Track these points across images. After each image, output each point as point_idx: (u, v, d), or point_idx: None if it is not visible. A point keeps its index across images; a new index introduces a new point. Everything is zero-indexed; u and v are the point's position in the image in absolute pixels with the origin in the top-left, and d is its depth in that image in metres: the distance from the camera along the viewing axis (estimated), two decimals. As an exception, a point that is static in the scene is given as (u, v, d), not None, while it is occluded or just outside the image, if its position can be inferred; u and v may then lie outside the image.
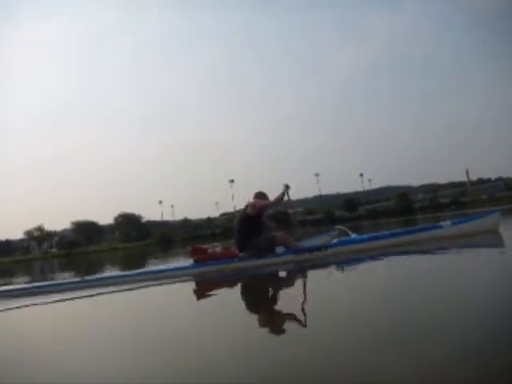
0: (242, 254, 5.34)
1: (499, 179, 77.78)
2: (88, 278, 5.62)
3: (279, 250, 5.34)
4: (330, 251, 5.14)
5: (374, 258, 4.75)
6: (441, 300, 2.37)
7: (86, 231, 70.95)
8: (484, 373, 1.40)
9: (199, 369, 1.77)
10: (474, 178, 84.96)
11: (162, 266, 5.90)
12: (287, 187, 5.57)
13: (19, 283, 7.35)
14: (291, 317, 2.46)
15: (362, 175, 79.92)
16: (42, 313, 4.06)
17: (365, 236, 5.44)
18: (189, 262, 5.74)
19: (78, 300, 4.41)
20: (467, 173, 77.66)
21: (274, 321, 2.52)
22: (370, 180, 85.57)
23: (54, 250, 64.29)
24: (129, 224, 70.12)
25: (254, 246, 5.29)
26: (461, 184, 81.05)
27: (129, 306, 3.89)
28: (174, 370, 1.81)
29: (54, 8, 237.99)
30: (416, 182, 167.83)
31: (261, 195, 5.54)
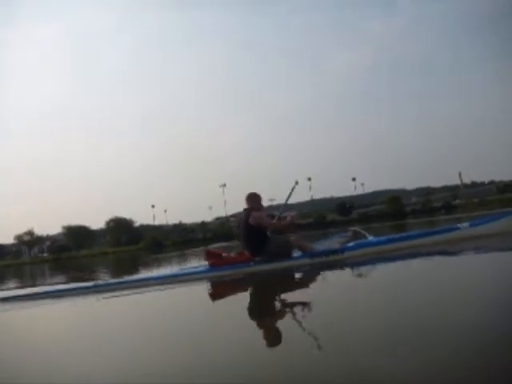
0: (257, 258, 5.26)
1: (491, 182, 78.67)
2: (101, 282, 5.52)
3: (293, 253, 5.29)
4: (346, 254, 5.10)
5: (391, 259, 4.77)
6: (462, 305, 2.37)
7: (77, 235, 70.14)
8: None
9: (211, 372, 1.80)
10: (467, 181, 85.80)
11: (178, 270, 5.80)
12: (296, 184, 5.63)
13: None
14: (306, 322, 2.44)
15: (354, 179, 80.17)
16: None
17: (382, 238, 5.43)
18: (202, 264, 5.71)
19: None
20: (460, 176, 78.16)
21: (288, 327, 2.46)
22: (362, 184, 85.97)
23: (45, 254, 63.47)
24: (120, 228, 69.54)
25: (269, 250, 5.22)
26: (454, 187, 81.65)
27: (150, 310, 3.86)
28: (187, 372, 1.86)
29: (52, 9, 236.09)
30: (411, 185, 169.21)
31: (253, 197, 5.47)
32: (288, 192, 5.66)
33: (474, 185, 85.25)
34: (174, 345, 2.38)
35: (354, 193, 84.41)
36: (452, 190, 78.90)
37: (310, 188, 71.91)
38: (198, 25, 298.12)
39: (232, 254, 5.47)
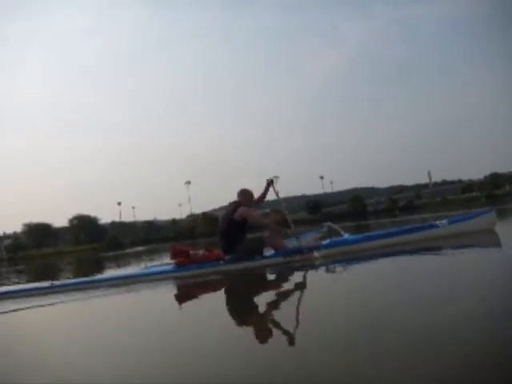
0: (227, 257, 4.95)
1: (459, 181, 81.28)
2: (57, 283, 5.02)
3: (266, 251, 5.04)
4: (322, 252, 4.85)
5: (367, 258, 4.59)
6: (443, 303, 2.26)
7: (38, 234, 67.58)
8: None
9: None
10: (439, 179, 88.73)
11: (140, 270, 5.38)
12: (272, 181, 5.47)
13: None
14: (280, 323, 2.31)
15: (322, 178, 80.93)
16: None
17: (359, 236, 5.23)
18: (167, 263, 5.35)
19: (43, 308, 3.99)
20: (429, 174, 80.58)
21: (261, 328, 2.34)
22: (331, 182, 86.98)
23: (3, 253, 60.81)
24: (84, 226, 67.55)
25: (240, 248, 4.92)
26: (425, 186, 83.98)
27: (103, 314, 3.51)
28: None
29: (24, 8, 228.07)
30: (384, 183, 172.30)
31: (245, 193, 5.20)
32: (273, 188, 5.50)
33: (443, 183, 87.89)
34: (137, 355, 2.06)
35: (329, 190, 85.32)
36: (421, 189, 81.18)
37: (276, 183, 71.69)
38: (173, 26, 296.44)
39: (200, 252, 5.10)
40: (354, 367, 1.55)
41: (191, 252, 5.06)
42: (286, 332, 2.13)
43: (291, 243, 5.08)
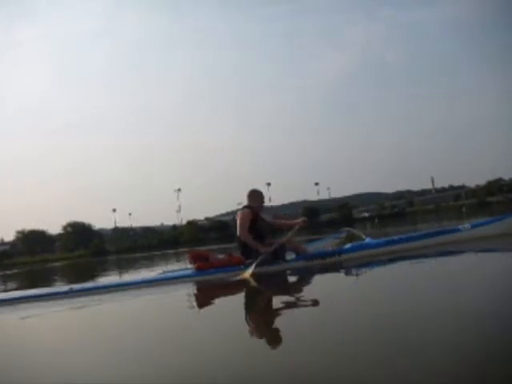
0: (248, 261, 4.87)
1: (461, 187, 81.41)
2: (77, 287, 4.92)
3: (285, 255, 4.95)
4: (343, 257, 4.83)
5: (390, 262, 4.57)
6: (466, 309, 2.22)
7: (31, 241, 66.94)
8: None
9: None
10: (445, 185, 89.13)
11: (162, 274, 5.29)
12: (305, 221, 5.17)
13: None
14: (302, 331, 2.22)
15: (317, 184, 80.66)
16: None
17: (380, 240, 5.20)
18: (187, 268, 5.29)
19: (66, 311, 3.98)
20: (432, 180, 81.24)
21: (279, 333, 2.29)
22: (328, 188, 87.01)
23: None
24: (78, 233, 67.04)
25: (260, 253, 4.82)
26: (429, 191, 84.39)
27: (124, 317, 3.48)
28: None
29: (34, 10, 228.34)
30: (392, 188, 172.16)
31: (253, 195, 5.14)
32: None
33: (449, 188, 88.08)
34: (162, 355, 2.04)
35: (331, 196, 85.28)
36: (425, 194, 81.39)
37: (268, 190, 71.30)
38: (183, 27, 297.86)
39: (220, 256, 5.03)
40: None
41: (210, 256, 5.00)
42: (304, 342, 2.02)
43: (313, 247, 5.03)
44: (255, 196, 5.12)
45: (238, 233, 4.94)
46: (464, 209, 37.39)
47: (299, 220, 5.14)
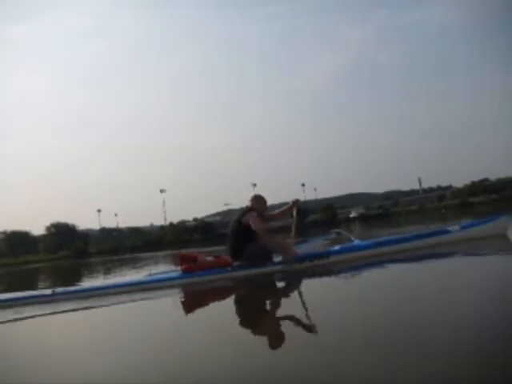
0: (236, 263, 4.80)
1: (448, 188, 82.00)
2: (59, 290, 4.78)
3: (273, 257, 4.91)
4: (332, 259, 4.78)
5: (378, 264, 4.50)
6: (457, 314, 2.18)
7: (14, 242, 65.80)
8: None
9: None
10: (433, 185, 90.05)
11: (146, 277, 5.17)
12: (298, 201, 5.19)
13: None
14: (290, 331, 2.27)
15: (303, 185, 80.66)
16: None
17: (369, 242, 5.15)
18: (174, 269, 5.17)
19: (47, 316, 3.83)
20: (419, 181, 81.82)
21: (271, 338, 2.27)
22: (315, 189, 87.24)
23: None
24: (62, 234, 66.08)
25: (249, 254, 4.79)
26: (416, 192, 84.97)
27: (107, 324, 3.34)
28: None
29: (27, 11, 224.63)
30: (382, 188, 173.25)
31: (258, 199, 5.08)
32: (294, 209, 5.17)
33: (437, 189, 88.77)
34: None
35: (320, 196, 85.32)
36: (413, 194, 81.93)
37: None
38: (177, 26, 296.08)
39: (208, 258, 4.94)
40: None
41: (199, 258, 4.91)
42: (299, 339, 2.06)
43: (301, 249, 4.96)
44: (260, 200, 5.07)
45: (229, 232, 4.93)
46: (443, 210, 37.63)
47: (290, 203, 5.15)
